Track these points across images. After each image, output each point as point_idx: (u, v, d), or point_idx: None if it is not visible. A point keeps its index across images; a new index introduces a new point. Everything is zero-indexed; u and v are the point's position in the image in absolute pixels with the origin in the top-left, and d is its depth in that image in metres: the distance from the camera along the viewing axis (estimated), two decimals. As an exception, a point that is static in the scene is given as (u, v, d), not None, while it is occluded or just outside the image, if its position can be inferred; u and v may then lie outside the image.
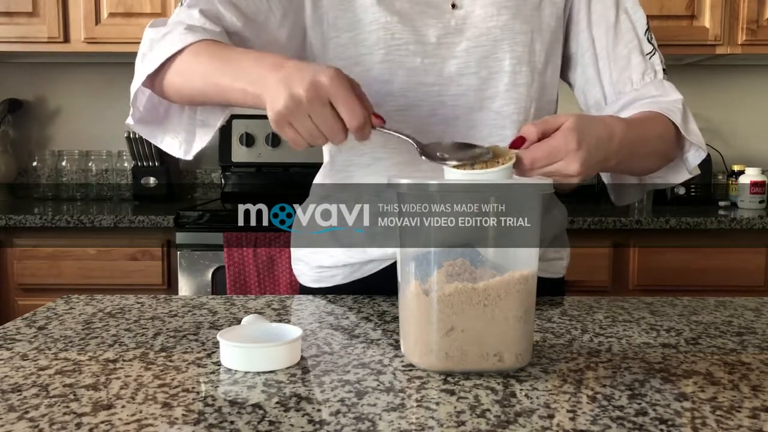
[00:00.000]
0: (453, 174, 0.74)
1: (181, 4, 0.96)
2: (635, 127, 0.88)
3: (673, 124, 0.93)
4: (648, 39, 1.03)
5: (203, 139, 0.95)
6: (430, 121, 0.97)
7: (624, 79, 1.02)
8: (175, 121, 0.97)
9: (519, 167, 0.76)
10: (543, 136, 0.77)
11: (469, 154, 0.76)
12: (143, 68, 0.90)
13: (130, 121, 0.96)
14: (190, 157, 0.96)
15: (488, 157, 0.75)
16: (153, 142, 0.98)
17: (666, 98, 0.99)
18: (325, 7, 0.98)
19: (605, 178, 1.06)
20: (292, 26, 0.99)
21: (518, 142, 0.77)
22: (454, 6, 0.98)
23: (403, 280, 0.73)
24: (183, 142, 0.96)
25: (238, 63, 0.84)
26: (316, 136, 0.76)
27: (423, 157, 0.78)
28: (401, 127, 0.82)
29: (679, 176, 1.00)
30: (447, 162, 0.75)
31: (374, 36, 0.96)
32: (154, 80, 0.91)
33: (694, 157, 0.97)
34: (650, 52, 1.03)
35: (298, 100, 0.74)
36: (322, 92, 0.74)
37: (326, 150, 1.09)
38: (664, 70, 1.03)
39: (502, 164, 0.74)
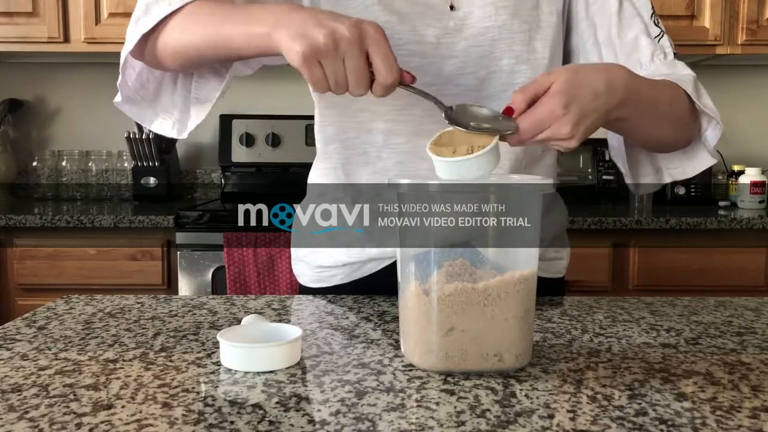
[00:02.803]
0: (439, 163, 0.74)
1: None
2: (643, 81, 0.86)
3: (687, 95, 0.91)
4: (655, 23, 1.02)
5: (199, 116, 0.93)
6: (428, 120, 0.97)
7: (633, 62, 1.00)
8: (168, 100, 0.95)
9: (509, 140, 0.76)
10: (533, 101, 0.76)
11: (490, 126, 0.76)
12: (137, 30, 0.87)
13: (117, 99, 0.94)
14: (184, 135, 0.94)
15: (510, 129, 0.76)
16: (142, 123, 0.96)
17: (677, 74, 0.97)
18: (320, 3, 0.98)
19: (624, 173, 1.04)
20: None
21: (506, 114, 0.76)
22: (452, 7, 0.98)
23: (403, 281, 0.73)
24: (177, 121, 0.94)
25: (244, 10, 0.81)
26: (341, 83, 0.74)
27: (447, 121, 0.77)
28: (421, 91, 0.80)
29: (697, 164, 0.98)
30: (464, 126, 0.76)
31: None
32: (145, 47, 0.89)
33: (713, 135, 0.95)
34: (658, 35, 1.01)
35: (340, 37, 0.72)
36: (365, 38, 0.73)
37: (319, 146, 1.08)
38: (675, 53, 1.02)
39: (482, 148, 0.73)
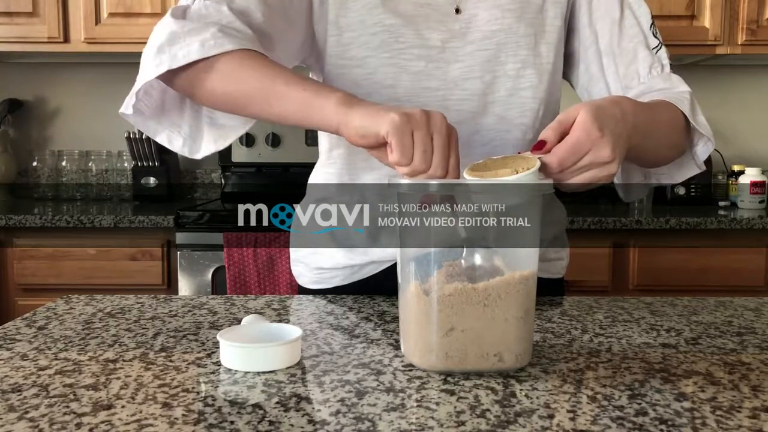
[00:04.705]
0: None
1: None
2: (644, 106, 0.86)
3: (682, 113, 0.92)
4: (653, 33, 1.03)
5: (217, 142, 0.92)
6: None
7: (631, 73, 1.01)
8: (175, 112, 0.93)
9: (547, 171, 0.73)
10: (562, 137, 0.74)
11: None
12: (163, 60, 0.84)
13: (124, 110, 0.90)
14: (197, 156, 0.93)
15: None
16: (149, 134, 0.93)
17: (674, 90, 0.98)
18: (328, 3, 0.98)
19: (615, 178, 1.05)
20: (307, 17, 0.98)
21: (539, 146, 0.74)
22: (458, 10, 0.98)
23: (404, 281, 0.73)
24: (187, 138, 0.92)
25: (300, 91, 0.81)
26: (428, 154, 0.71)
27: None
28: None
29: (684, 172, 1.00)
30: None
31: (378, 39, 0.96)
32: (172, 76, 0.86)
33: (703, 150, 0.96)
34: (656, 47, 1.02)
35: (430, 114, 0.72)
36: (445, 125, 0.73)
37: (323, 150, 1.08)
38: (670, 65, 1.03)
39: (527, 170, 0.70)
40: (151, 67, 0.86)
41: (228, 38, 0.84)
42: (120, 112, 0.91)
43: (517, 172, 0.70)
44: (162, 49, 0.85)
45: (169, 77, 0.87)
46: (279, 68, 0.85)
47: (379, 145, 0.75)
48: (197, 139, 0.93)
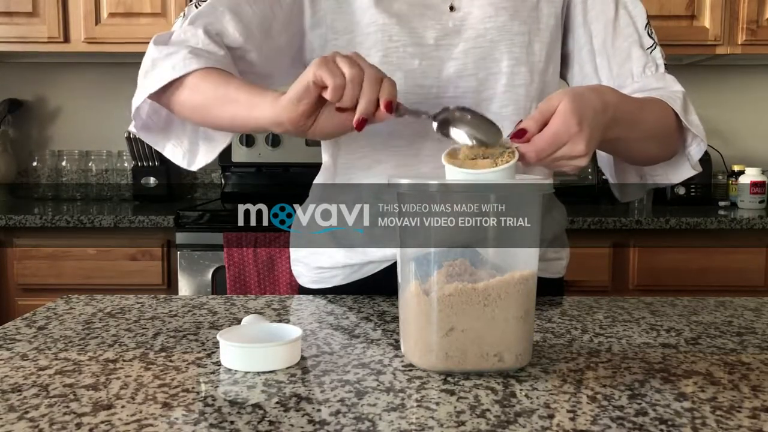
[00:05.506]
0: (454, 173, 0.74)
1: (184, 15, 0.96)
2: (630, 100, 0.87)
3: (674, 112, 0.93)
4: (648, 33, 1.03)
5: (207, 155, 1.00)
6: (430, 123, 0.97)
7: (624, 73, 1.01)
8: (178, 128, 1.00)
9: (524, 160, 0.75)
10: (543, 126, 0.76)
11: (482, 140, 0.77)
12: (146, 85, 0.92)
13: (132, 129, 0.99)
14: (194, 168, 0.99)
15: (502, 151, 0.76)
16: (156, 148, 1.01)
17: (667, 90, 0.99)
18: (324, 10, 0.98)
19: (610, 177, 1.06)
20: (293, 31, 1.00)
21: (520, 134, 0.76)
22: (452, 8, 0.98)
23: (403, 281, 0.73)
24: (187, 152, 1.00)
25: (237, 95, 0.88)
26: (356, 75, 0.76)
27: (438, 132, 0.80)
28: (416, 107, 0.84)
29: (680, 173, 1.00)
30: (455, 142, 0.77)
31: (372, 38, 0.96)
32: (158, 96, 0.94)
33: (697, 150, 0.96)
34: (651, 47, 1.02)
35: (332, 55, 0.77)
36: (353, 56, 0.78)
37: (326, 152, 1.08)
38: (665, 65, 1.03)
39: (506, 162, 0.73)
40: (139, 93, 0.94)
41: (196, 59, 0.90)
42: (129, 129, 1.00)
43: (497, 164, 0.73)
44: (147, 74, 0.93)
45: (157, 97, 0.94)
46: (233, 79, 0.90)
47: (318, 102, 0.79)
48: (194, 153, 1.00)
